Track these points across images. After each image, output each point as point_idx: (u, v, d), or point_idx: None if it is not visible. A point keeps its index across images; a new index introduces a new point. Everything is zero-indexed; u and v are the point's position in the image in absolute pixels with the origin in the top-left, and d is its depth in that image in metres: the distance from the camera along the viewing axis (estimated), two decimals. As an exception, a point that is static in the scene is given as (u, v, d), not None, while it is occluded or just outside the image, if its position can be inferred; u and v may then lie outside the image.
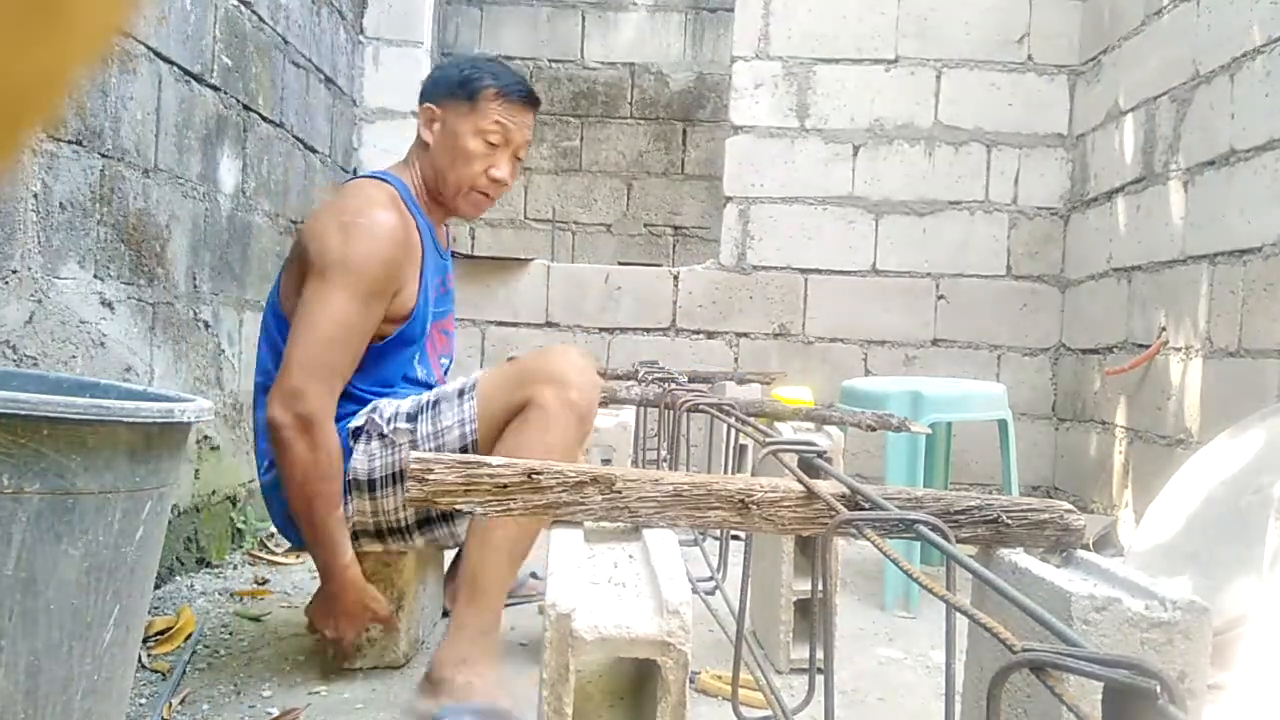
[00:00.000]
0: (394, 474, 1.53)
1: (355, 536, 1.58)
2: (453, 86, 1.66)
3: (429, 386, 1.72)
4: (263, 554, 2.44)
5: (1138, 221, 3.02)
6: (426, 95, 1.70)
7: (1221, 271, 2.51)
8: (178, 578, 2.16)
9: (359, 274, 1.49)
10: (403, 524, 1.58)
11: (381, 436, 1.54)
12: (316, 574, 1.60)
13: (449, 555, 1.99)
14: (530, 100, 1.70)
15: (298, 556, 2.36)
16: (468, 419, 1.51)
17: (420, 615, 1.79)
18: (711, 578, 2.27)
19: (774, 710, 1.48)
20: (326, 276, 1.48)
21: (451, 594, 1.93)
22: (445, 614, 1.97)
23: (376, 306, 1.53)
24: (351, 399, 1.58)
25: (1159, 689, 0.53)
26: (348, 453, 1.55)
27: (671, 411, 1.86)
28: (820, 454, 1.06)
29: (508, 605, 1.59)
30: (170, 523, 2.02)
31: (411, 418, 1.54)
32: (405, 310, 1.61)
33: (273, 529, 2.61)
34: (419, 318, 1.63)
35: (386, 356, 1.61)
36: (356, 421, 1.56)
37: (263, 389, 1.59)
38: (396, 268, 1.56)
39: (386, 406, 1.57)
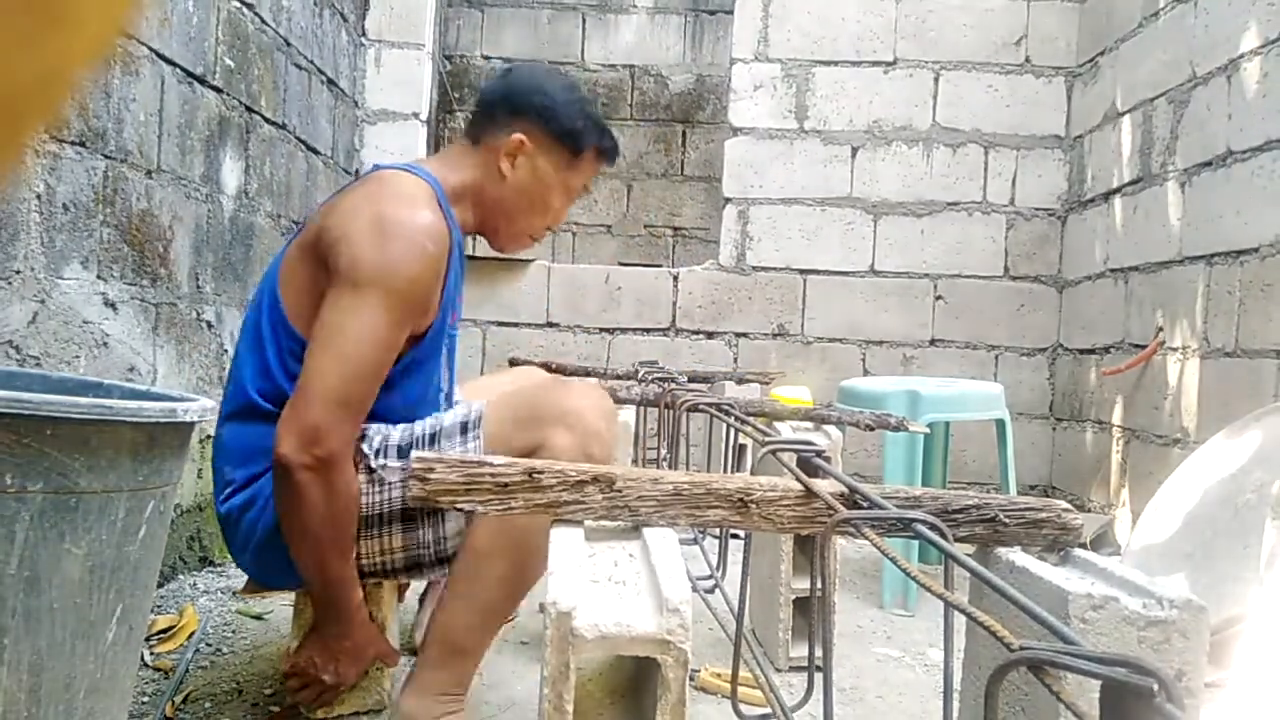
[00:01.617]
0: (380, 515, 1.33)
1: None
2: (559, 131, 1.47)
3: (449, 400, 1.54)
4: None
5: (1135, 222, 3.02)
6: (521, 120, 1.46)
7: (1218, 272, 2.52)
8: (180, 576, 2.16)
9: (398, 290, 1.27)
10: (389, 567, 1.37)
11: (369, 471, 1.33)
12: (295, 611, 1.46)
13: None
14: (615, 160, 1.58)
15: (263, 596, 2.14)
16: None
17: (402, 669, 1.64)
18: (711, 576, 2.28)
19: (773, 708, 1.48)
20: (360, 291, 1.25)
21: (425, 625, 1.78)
22: (413, 652, 1.74)
23: (408, 327, 1.33)
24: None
25: (1156, 687, 0.53)
26: None
27: (671, 411, 1.87)
28: (819, 453, 1.07)
29: None
30: (173, 522, 2.02)
31: (403, 452, 1.34)
32: (422, 329, 1.38)
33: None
34: (437, 337, 1.42)
35: (399, 385, 1.38)
36: None
37: (246, 410, 1.36)
38: (436, 282, 1.34)
39: (375, 435, 1.36)
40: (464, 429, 1.35)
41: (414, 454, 0.96)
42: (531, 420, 1.31)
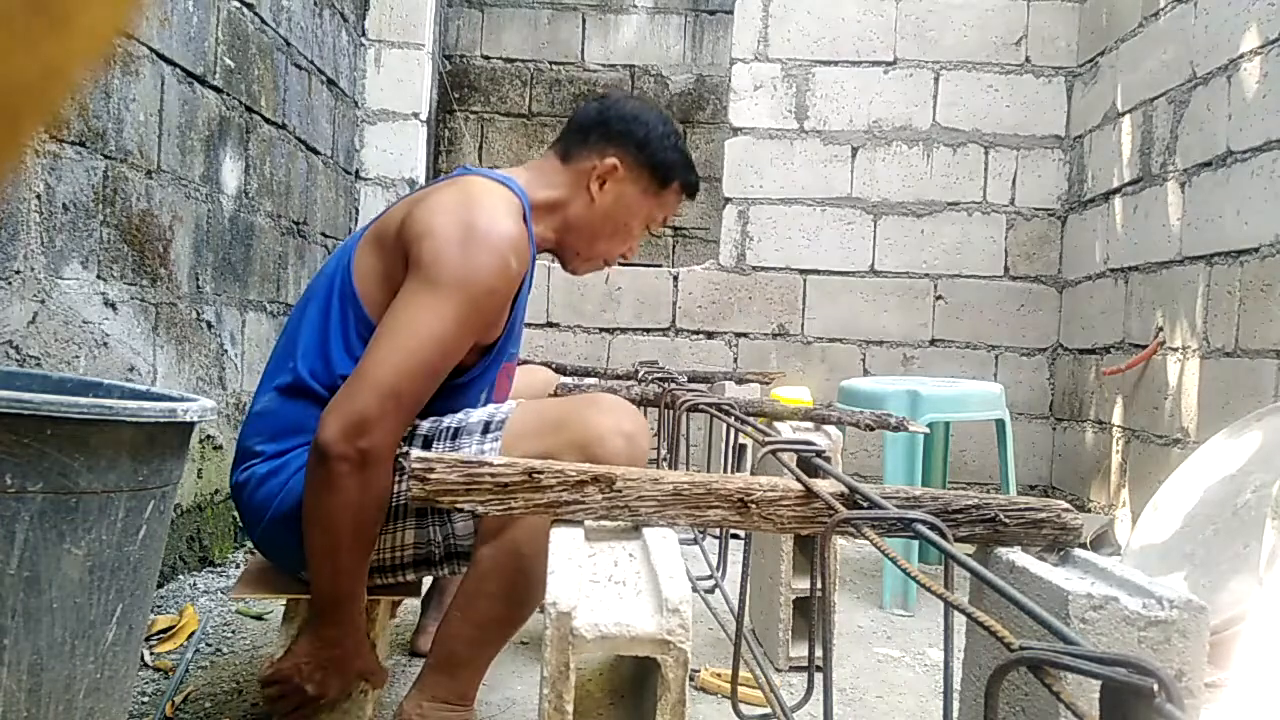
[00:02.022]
0: (397, 506, 1.31)
1: None
2: (650, 160, 1.48)
3: None
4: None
5: (1135, 222, 3.02)
6: (615, 145, 1.47)
7: (1218, 272, 2.52)
8: (180, 576, 2.16)
9: (474, 298, 1.26)
10: (398, 562, 1.35)
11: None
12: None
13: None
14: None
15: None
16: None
17: (390, 667, 1.59)
18: (711, 576, 2.28)
19: (773, 708, 1.49)
20: (437, 291, 1.24)
21: (428, 634, 1.74)
22: (414, 653, 1.79)
23: (475, 337, 1.32)
24: None
25: (1156, 687, 0.53)
26: None
27: (671, 411, 1.87)
28: (819, 453, 1.07)
29: None
30: (173, 522, 2.02)
31: (427, 443, 1.34)
32: (489, 343, 1.38)
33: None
34: (500, 353, 1.41)
35: (455, 397, 1.37)
36: None
37: (293, 387, 1.34)
38: (509, 298, 1.34)
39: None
40: (486, 428, 1.33)
41: (414, 454, 0.96)
42: (555, 431, 1.28)
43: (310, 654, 1.28)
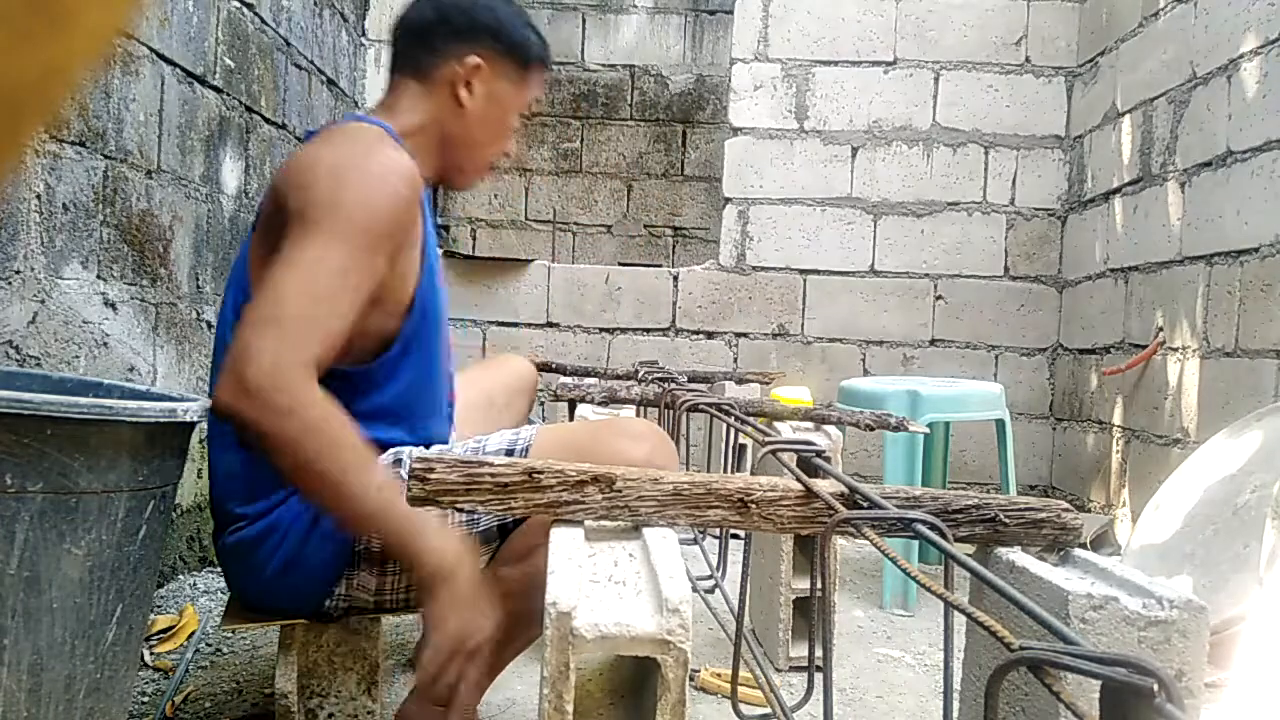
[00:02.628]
0: None
1: (346, 613, 1.27)
2: (509, 45, 1.37)
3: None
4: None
5: (1135, 222, 3.02)
6: (469, 42, 1.34)
7: (1218, 272, 2.52)
8: (180, 576, 2.16)
9: (355, 218, 1.12)
10: (412, 603, 1.28)
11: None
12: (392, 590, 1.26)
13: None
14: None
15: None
16: None
17: (394, 694, 1.59)
18: (711, 576, 2.28)
19: (773, 708, 1.49)
20: (314, 225, 1.10)
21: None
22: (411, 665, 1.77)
23: (378, 260, 1.15)
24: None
25: (1156, 687, 0.53)
26: None
27: (671, 411, 1.87)
28: (819, 453, 1.07)
29: None
30: (173, 522, 2.02)
31: None
32: (409, 289, 1.24)
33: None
34: (429, 298, 1.28)
35: (400, 370, 1.26)
36: None
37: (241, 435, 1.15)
38: (408, 223, 1.19)
39: (408, 460, 1.15)
40: (507, 456, 1.24)
41: (415, 453, 0.96)
42: (579, 460, 1.20)
43: (448, 610, 1.09)
